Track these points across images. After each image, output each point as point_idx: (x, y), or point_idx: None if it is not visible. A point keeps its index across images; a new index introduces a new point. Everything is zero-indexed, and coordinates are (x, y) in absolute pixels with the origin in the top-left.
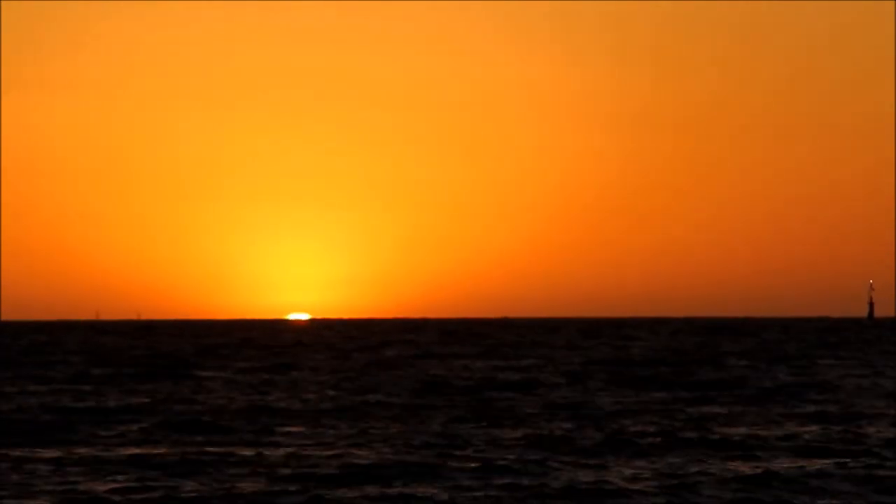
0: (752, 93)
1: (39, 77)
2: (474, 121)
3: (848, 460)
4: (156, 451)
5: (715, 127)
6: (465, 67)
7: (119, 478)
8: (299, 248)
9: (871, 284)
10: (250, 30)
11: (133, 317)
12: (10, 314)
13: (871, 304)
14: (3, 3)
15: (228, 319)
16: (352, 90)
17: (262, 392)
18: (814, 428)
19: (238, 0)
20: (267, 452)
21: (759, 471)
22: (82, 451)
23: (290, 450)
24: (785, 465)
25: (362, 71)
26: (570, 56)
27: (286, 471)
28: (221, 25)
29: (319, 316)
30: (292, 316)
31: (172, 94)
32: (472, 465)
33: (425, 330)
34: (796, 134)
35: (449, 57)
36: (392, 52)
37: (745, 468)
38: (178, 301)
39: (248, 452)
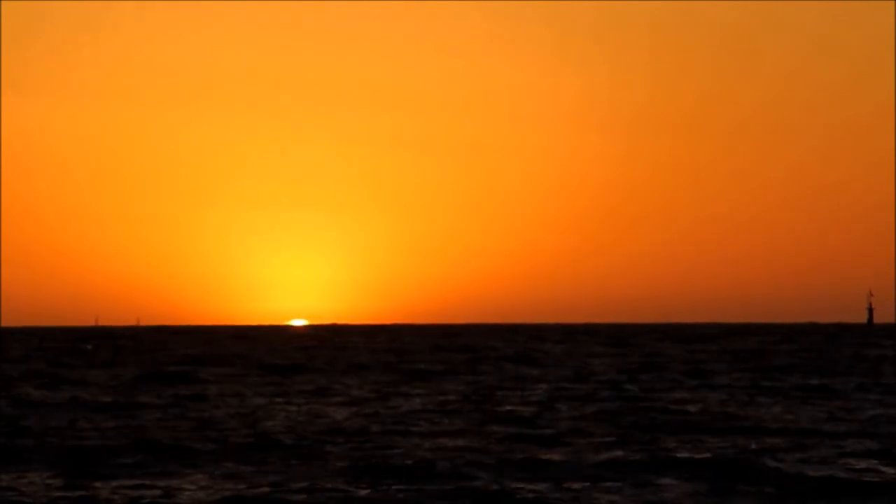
0: (750, 95)
1: (37, 80)
2: (471, 124)
3: None
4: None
5: (712, 129)
6: (462, 70)
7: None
8: (297, 254)
9: (871, 291)
10: (250, 33)
11: (132, 323)
12: (8, 320)
13: (871, 310)
14: (2, 3)
15: (230, 325)
16: (349, 94)
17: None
18: None
19: (238, 3)
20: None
21: None
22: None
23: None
24: None
25: (359, 75)
26: (567, 59)
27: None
28: (221, 29)
29: (317, 322)
30: (295, 322)
31: (171, 99)
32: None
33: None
34: (795, 136)
35: (445, 60)
36: (389, 55)
37: None
38: (176, 307)
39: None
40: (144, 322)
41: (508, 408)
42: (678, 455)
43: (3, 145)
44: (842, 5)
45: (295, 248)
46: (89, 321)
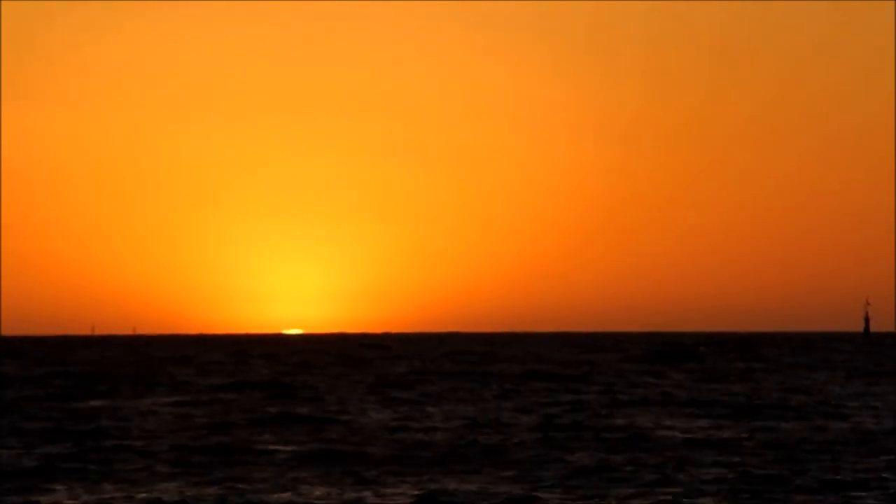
0: (747, 101)
1: (36, 88)
2: (466, 133)
3: None
4: None
5: (709, 136)
6: (457, 80)
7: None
8: (292, 262)
9: (867, 300)
10: (248, 43)
11: (129, 331)
12: (6, 329)
13: (867, 320)
14: (1, 5)
15: (226, 334)
16: (344, 104)
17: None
18: None
19: (237, 11)
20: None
21: None
22: None
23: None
24: None
25: (354, 84)
26: (561, 67)
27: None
28: (220, 38)
29: (312, 331)
30: (291, 331)
31: (168, 109)
32: None
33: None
34: (792, 142)
35: (440, 69)
36: (384, 64)
37: None
38: (172, 315)
39: None
40: (140, 331)
41: None
42: None
43: (2, 152)
44: (842, 5)
45: (290, 257)
46: (85, 330)
